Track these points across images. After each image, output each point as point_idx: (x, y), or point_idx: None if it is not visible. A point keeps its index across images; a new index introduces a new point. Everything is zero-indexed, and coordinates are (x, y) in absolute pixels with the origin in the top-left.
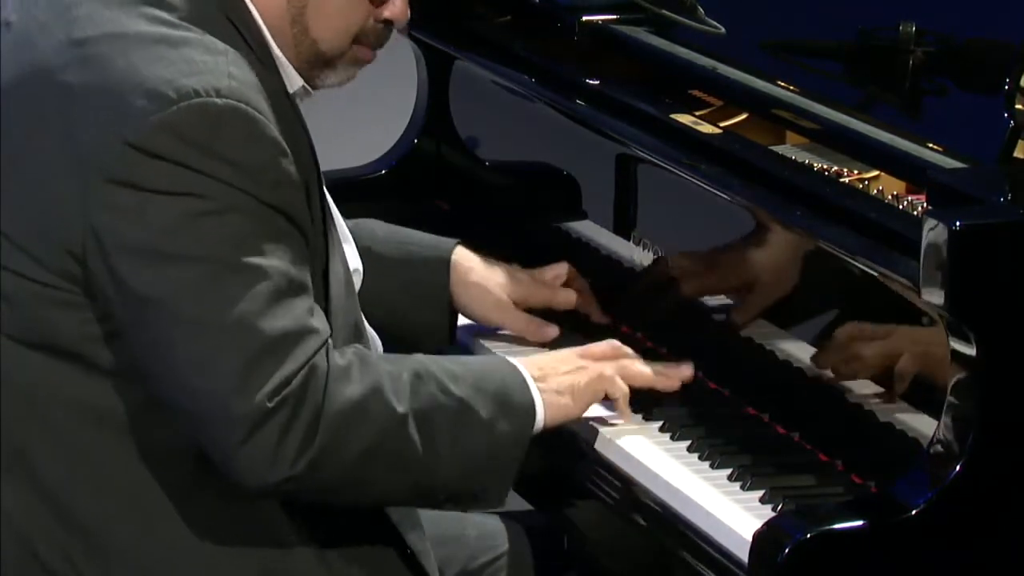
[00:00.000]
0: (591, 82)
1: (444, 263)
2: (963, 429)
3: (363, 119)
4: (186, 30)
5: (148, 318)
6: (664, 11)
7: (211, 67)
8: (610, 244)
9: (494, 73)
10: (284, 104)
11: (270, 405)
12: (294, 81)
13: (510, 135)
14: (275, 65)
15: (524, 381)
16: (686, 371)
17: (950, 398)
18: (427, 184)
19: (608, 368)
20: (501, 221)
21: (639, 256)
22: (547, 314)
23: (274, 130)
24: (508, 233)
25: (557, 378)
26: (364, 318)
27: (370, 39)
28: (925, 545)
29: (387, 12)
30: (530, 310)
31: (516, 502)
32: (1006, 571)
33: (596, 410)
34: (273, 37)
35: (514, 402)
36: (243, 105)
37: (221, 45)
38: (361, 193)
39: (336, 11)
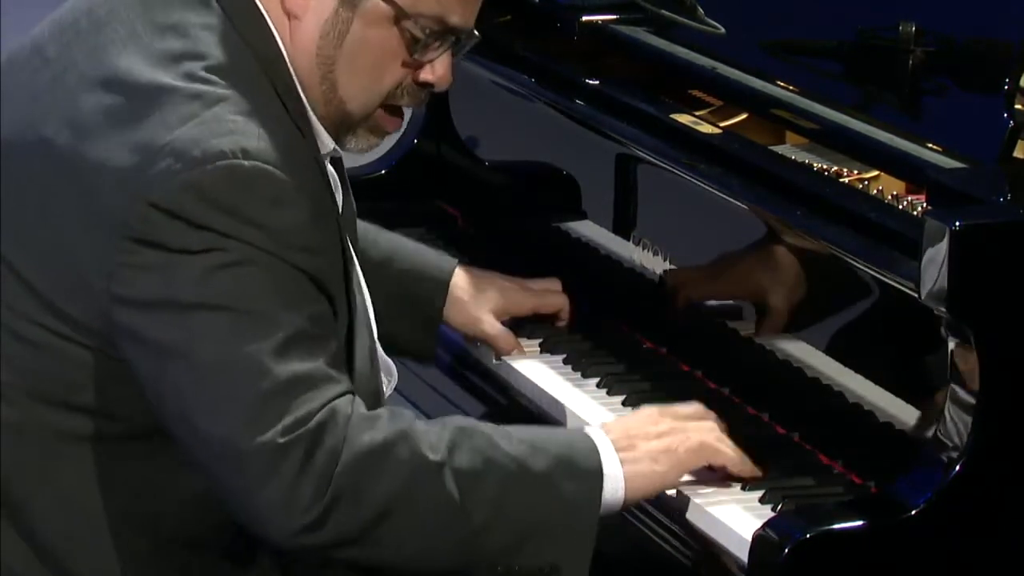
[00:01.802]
0: (591, 82)
1: (443, 286)
2: (963, 429)
3: None
4: (223, 88)
5: (164, 367)
6: (664, 11)
7: (241, 127)
8: (610, 244)
9: (494, 73)
10: (315, 168)
11: (281, 441)
12: (326, 144)
13: (510, 135)
14: (310, 127)
15: (592, 445)
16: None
17: (950, 398)
18: (427, 184)
19: (710, 433)
20: (501, 221)
21: (639, 256)
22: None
23: (302, 195)
24: (508, 233)
25: (648, 444)
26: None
27: (403, 99)
28: (925, 545)
29: (426, 75)
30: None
31: None
32: (1006, 571)
33: (592, 410)
34: (308, 99)
35: (578, 464)
36: (271, 167)
37: (256, 104)
38: (361, 193)
39: (366, 69)
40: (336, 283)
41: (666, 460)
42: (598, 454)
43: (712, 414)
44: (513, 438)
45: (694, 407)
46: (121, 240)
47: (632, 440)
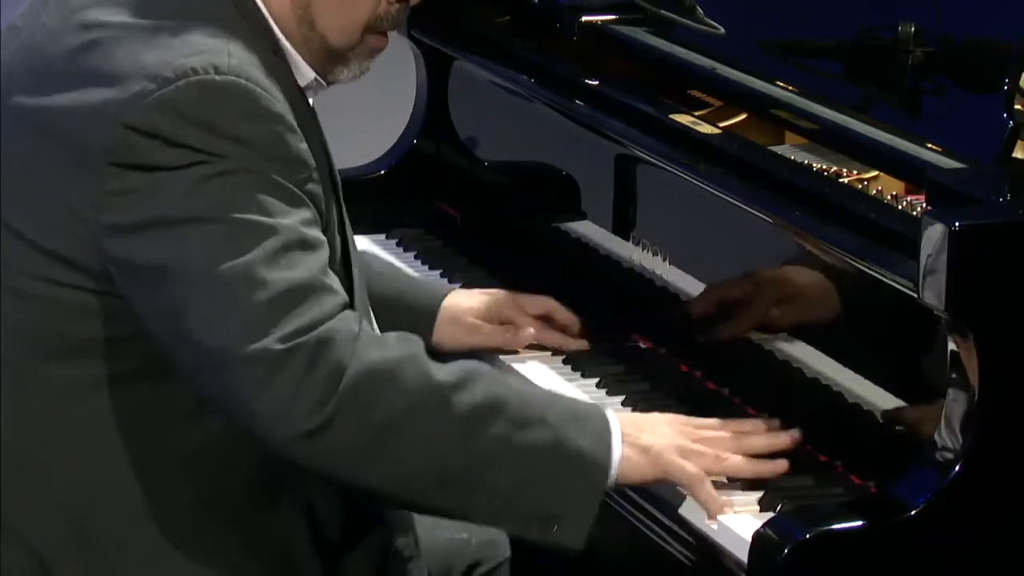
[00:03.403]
0: (591, 82)
1: (431, 315)
2: (963, 429)
3: (363, 119)
4: (191, 21)
5: (159, 285)
6: (664, 11)
7: (211, 47)
8: (609, 244)
9: (494, 73)
10: (294, 94)
11: (281, 347)
12: (305, 75)
13: (510, 135)
14: (285, 59)
15: (603, 413)
16: (795, 435)
17: (950, 398)
18: (427, 184)
19: (699, 468)
20: (501, 221)
21: (638, 257)
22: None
23: (279, 106)
24: (508, 233)
25: (649, 435)
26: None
27: (384, 25)
28: (925, 545)
29: None
30: None
31: None
32: (1006, 571)
33: None
34: (285, 36)
35: (588, 420)
36: (243, 80)
37: (227, 32)
38: (361, 193)
39: (338, 4)
40: (327, 203)
41: (651, 457)
42: (607, 419)
43: (724, 434)
44: (528, 384)
45: (711, 422)
46: (103, 167)
47: (637, 428)
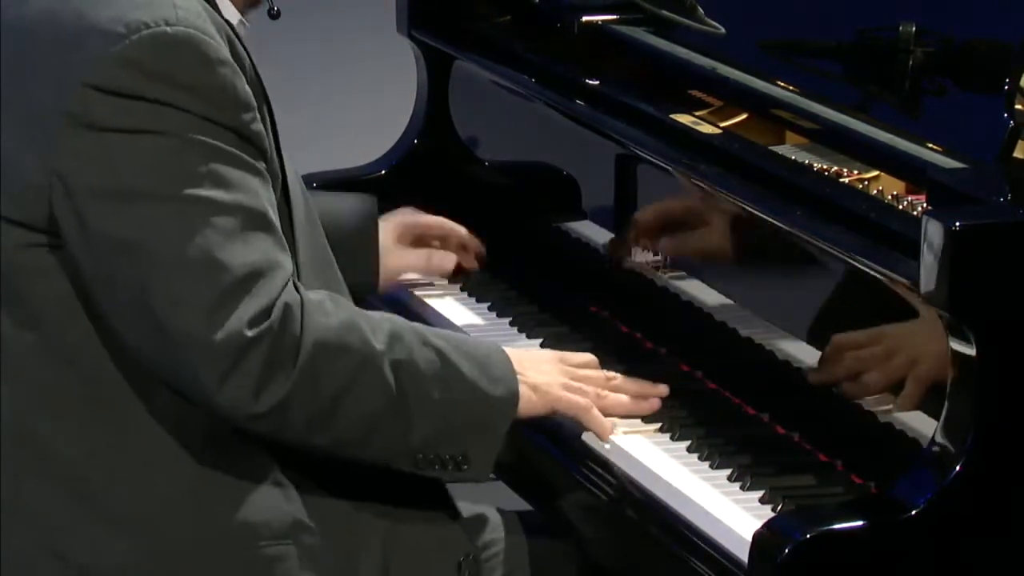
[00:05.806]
0: (591, 82)
1: (373, 223)
2: (963, 429)
3: (363, 119)
4: None
5: (118, 261)
6: (664, 11)
7: (157, 0)
8: (610, 244)
9: (494, 73)
10: (226, 31)
11: (250, 335)
12: (231, 17)
13: (510, 135)
14: (214, 2)
15: (506, 356)
16: (662, 389)
17: (950, 398)
18: (427, 184)
19: (586, 399)
20: (501, 221)
21: (639, 256)
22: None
23: (226, 52)
24: (508, 233)
25: (534, 373)
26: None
27: None
28: (925, 545)
29: None
30: None
31: (515, 502)
32: (1007, 571)
33: None
34: None
35: (495, 370)
36: (193, 31)
37: None
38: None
39: None
40: (269, 137)
41: (541, 395)
42: (512, 364)
43: (599, 374)
44: (440, 336)
45: (586, 359)
46: (63, 127)
47: (522, 366)
